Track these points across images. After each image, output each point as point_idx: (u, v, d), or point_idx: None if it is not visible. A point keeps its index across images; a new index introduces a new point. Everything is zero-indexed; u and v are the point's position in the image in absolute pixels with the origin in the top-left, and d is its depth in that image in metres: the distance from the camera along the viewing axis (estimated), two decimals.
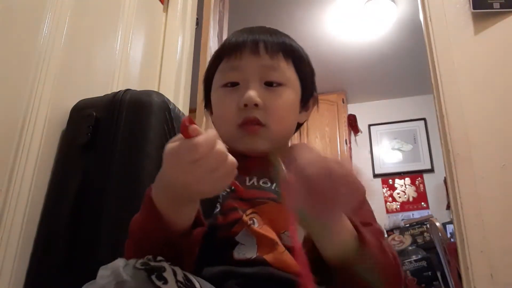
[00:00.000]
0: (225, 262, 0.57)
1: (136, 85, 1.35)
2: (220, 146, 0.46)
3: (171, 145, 0.45)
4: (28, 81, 0.91)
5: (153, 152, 0.88)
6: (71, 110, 1.00)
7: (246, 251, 0.58)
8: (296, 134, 0.78)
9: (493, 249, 1.22)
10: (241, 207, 0.61)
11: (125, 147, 0.89)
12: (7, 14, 0.87)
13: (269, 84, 0.68)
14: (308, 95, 0.76)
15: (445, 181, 2.26)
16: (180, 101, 1.59)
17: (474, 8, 1.46)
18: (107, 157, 0.89)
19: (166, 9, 1.68)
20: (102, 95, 1.01)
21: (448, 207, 3.24)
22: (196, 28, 1.80)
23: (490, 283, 1.19)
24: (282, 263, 0.57)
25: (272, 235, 0.59)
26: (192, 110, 1.75)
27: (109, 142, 0.90)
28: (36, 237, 0.88)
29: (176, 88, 1.58)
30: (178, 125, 0.95)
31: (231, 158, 0.47)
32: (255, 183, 0.65)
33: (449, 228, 2.95)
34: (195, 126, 0.44)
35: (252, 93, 0.65)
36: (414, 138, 4.07)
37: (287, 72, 0.70)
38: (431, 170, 3.89)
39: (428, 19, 1.53)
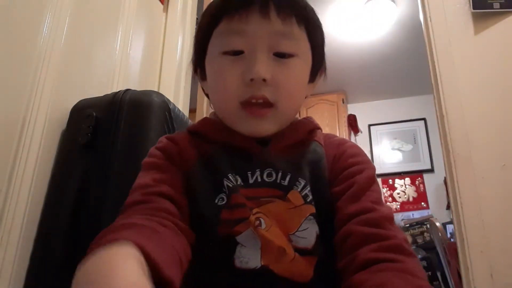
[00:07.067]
0: (224, 269, 0.52)
1: (136, 85, 1.35)
2: None
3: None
4: (28, 81, 0.91)
5: None
6: (71, 110, 1.00)
7: (248, 258, 0.51)
8: None
9: (493, 249, 1.22)
10: (248, 205, 0.54)
11: (125, 147, 0.89)
12: (7, 14, 0.87)
13: (279, 55, 0.58)
14: (318, 65, 0.66)
15: (445, 181, 2.26)
16: (180, 101, 1.59)
17: (474, 8, 1.46)
18: (107, 157, 0.89)
19: (166, 9, 1.68)
20: (102, 95, 1.01)
21: (448, 207, 3.25)
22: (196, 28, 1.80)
23: (490, 283, 1.19)
24: (291, 273, 0.51)
25: (281, 240, 0.53)
26: (192, 110, 1.75)
27: (109, 142, 0.90)
28: (36, 237, 0.88)
29: (176, 88, 1.58)
30: (178, 125, 0.96)
31: None
32: (259, 178, 0.57)
33: (449, 228, 2.96)
34: None
35: (260, 67, 0.55)
36: (414, 138, 4.08)
37: (300, 40, 0.60)
38: (431, 170, 3.90)
39: (428, 19, 1.53)
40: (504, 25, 1.44)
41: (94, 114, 0.94)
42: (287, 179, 0.57)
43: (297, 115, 0.69)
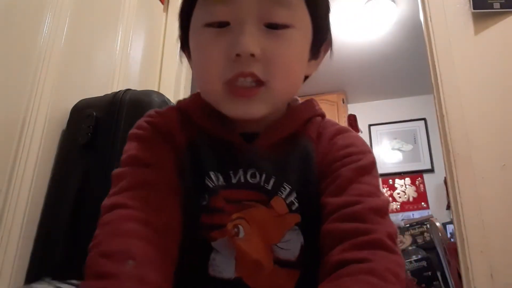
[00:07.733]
0: (198, 276, 0.48)
1: (136, 85, 1.35)
2: None
3: None
4: (28, 81, 0.91)
5: None
6: (71, 110, 1.00)
7: (222, 267, 0.48)
8: None
9: (493, 249, 1.22)
10: (227, 210, 0.50)
11: None
12: (7, 14, 0.87)
13: (271, 26, 0.49)
14: (321, 39, 0.57)
15: (445, 181, 2.26)
16: None
17: (474, 8, 1.46)
18: (107, 157, 0.89)
19: (166, 9, 1.68)
20: (102, 95, 1.01)
21: (448, 207, 3.25)
22: None
23: (490, 283, 1.19)
24: (268, 287, 0.49)
25: (258, 252, 0.49)
26: None
27: (109, 142, 0.90)
28: (36, 237, 0.88)
29: (176, 88, 1.58)
30: None
31: None
32: (242, 179, 0.51)
33: (449, 228, 2.96)
34: None
35: (248, 39, 0.47)
36: (414, 138, 4.08)
37: (297, 9, 0.51)
38: (431, 170, 3.89)
39: (428, 19, 1.53)
40: (504, 25, 1.44)
41: (94, 114, 0.94)
42: (271, 183, 0.51)
43: (298, 99, 0.61)
